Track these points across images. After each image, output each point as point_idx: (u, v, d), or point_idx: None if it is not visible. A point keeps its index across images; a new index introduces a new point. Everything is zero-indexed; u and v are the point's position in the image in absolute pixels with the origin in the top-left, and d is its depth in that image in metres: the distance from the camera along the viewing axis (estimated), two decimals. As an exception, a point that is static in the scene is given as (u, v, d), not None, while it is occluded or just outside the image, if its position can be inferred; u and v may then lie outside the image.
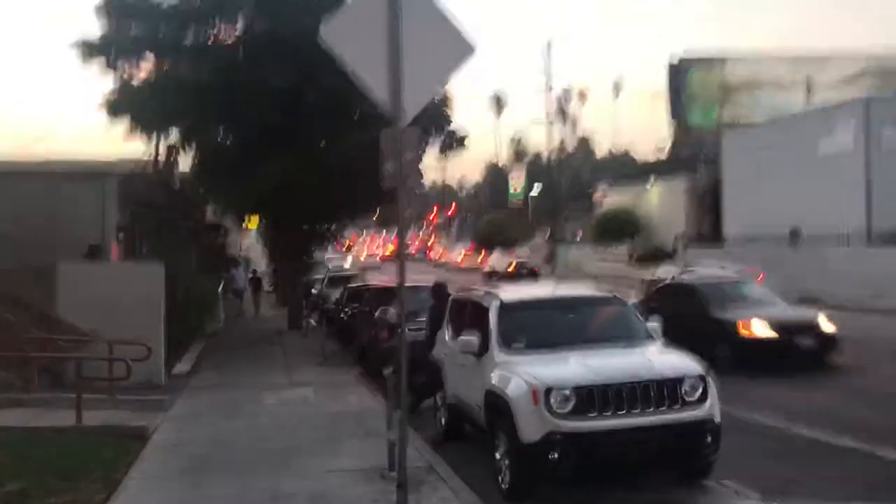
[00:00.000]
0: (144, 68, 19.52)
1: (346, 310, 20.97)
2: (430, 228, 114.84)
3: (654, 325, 8.55)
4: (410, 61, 6.58)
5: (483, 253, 66.50)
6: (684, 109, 53.29)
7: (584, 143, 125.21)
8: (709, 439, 7.04)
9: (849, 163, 37.68)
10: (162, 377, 13.39)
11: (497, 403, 7.55)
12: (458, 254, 71.37)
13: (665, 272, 39.58)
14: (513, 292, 9.21)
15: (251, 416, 10.98)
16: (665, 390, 6.99)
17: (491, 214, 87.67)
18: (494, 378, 7.74)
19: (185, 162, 22.58)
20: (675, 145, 55.08)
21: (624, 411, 6.94)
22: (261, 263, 47.16)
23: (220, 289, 25.08)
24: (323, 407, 11.51)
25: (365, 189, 21.64)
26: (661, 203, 55.08)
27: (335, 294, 26.79)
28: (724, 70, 53.67)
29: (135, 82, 19.76)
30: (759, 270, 33.79)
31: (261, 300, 28.19)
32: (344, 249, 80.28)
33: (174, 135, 21.29)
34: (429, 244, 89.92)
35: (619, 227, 55.42)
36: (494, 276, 49.72)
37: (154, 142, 22.02)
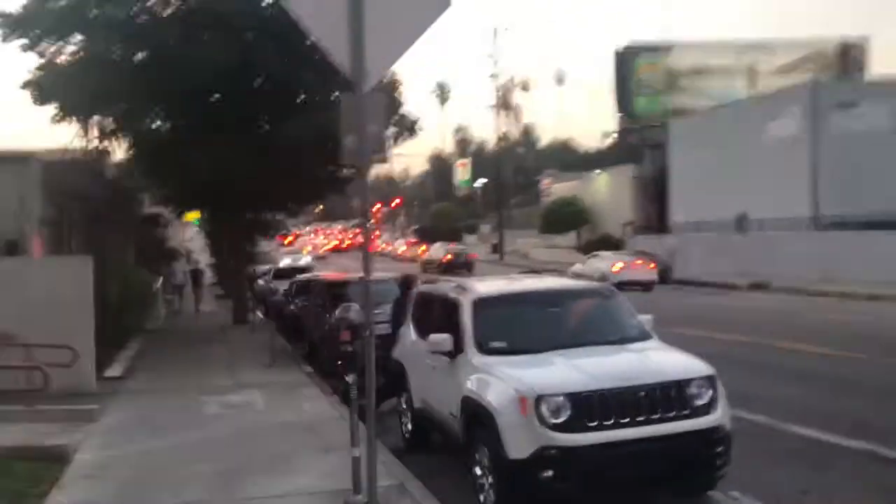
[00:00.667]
0: (71, 47, 17.99)
1: (296, 303, 19.85)
2: (374, 220, 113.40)
3: (647, 318, 7.71)
4: (375, 12, 5.59)
5: (426, 244, 65.60)
6: (630, 97, 53.05)
7: (528, 133, 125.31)
8: (720, 449, 6.24)
9: (795, 148, 37.82)
10: (92, 382, 12.12)
11: (477, 413, 6.64)
12: (400, 245, 70.35)
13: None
14: (488, 286, 8.26)
15: (191, 426, 9.84)
16: (671, 395, 6.16)
17: (438, 205, 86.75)
18: (472, 383, 6.83)
19: (120, 149, 21.19)
20: (622, 133, 54.85)
21: (627, 421, 6.09)
22: (202, 256, 45.55)
23: (159, 284, 23.68)
24: (273, 415, 10.44)
25: (311, 176, 20.55)
26: (608, 192, 54.94)
27: (282, 287, 25.66)
28: (669, 58, 53.60)
29: (61, 62, 18.23)
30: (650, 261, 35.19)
31: (202, 295, 26.25)
32: (287, 242, 78.59)
33: (106, 119, 19.85)
34: (372, 236, 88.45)
35: (567, 217, 55.12)
36: (430, 267, 49.37)
37: (85, 127, 20.53)
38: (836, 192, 35.87)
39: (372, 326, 6.28)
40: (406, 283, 11.86)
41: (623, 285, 28.58)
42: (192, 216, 58.00)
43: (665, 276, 36.84)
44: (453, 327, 7.46)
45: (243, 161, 17.70)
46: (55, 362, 10.36)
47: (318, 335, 15.31)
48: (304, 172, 19.46)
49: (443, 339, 7.38)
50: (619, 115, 54.46)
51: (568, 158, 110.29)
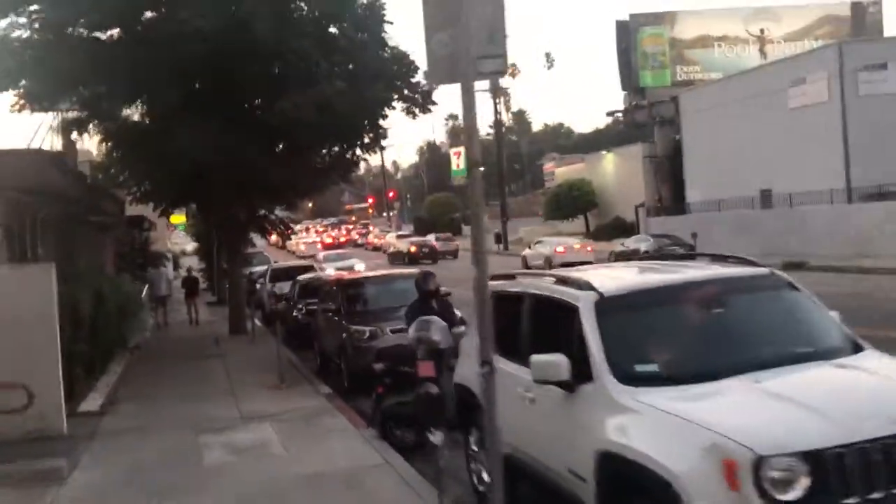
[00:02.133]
0: (24, 19, 15.43)
1: (300, 307, 17.36)
2: (368, 213, 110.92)
3: (834, 314, 5.26)
4: None
5: (422, 235, 63.28)
6: (635, 72, 50.56)
7: (520, 119, 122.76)
8: None
9: (822, 115, 35.44)
10: (61, 423, 9.58)
11: (632, 477, 4.19)
12: (395, 237, 67.88)
13: (636, 242, 37.06)
14: (611, 278, 5.68)
15: (189, 489, 7.32)
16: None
17: (434, 195, 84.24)
18: (618, 431, 4.37)
19: (92, 141, 18.65)
20: (628, 111, 52.36)
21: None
22: (191, 261, 42.91)
23: (144, 293, 21.11)
24: (297, 462, 7.92)
25: (312, 160, 18.01)
26: (616, 173, 52.48)
27: (283, 289, 23.17)
28: (674, 27, 51.13)
29: (17, 41, 15.69)
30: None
31: (198, 305, 22.60)
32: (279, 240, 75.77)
33: (74, 107, 17.34)
34: (366, 230, 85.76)
35: (574, 201, 52.64)
36: (396, 259, 47.70)
37: (50, 116, 18.01)
38: (868, 160, 33.50)
39: (493, 366, 3.75)
40: (424, 281, 9.42)
41: (566, 266, 32.25)
42: (178, 219, 55.50)
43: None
44: (567, 343, 4.98)
45: (234, 146, 15.22)
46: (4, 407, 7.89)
47: (335, 346, 12.84)
48: (304, 156, 16.97)
49: (556, 362, 4.86)
50: (625, 91, 51.92)
51: (562, 143, 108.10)
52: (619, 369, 4.62)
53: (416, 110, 16.98)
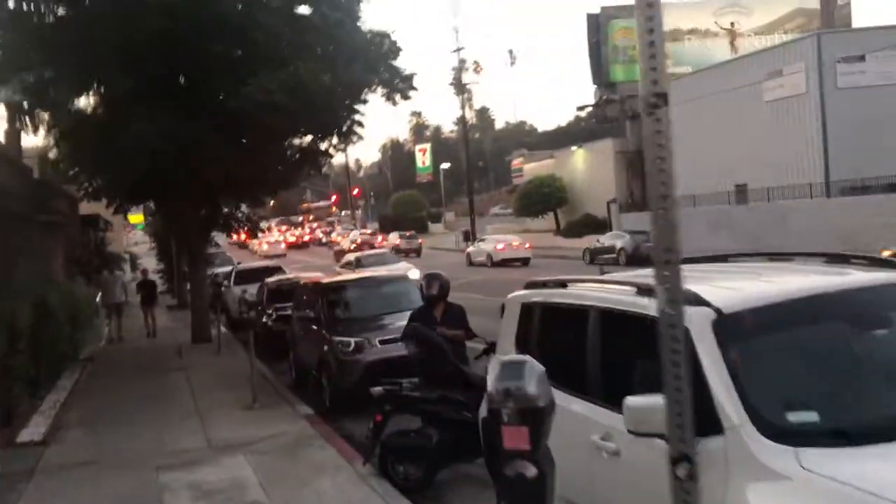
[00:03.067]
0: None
1: (270, 313, 15.81)
2: (330, 211, 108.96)
3: None
4: None
5: (383, 235, 62.34)
6: (606, 65, 49.62)
7: (483, 115, 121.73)
8: None
9: (800, 108, 34.77)
10: (-7, 459, 8.07)
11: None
12: (357, 236, 66.72)
13: (612, 239, 36.05)
14: (724, 287, 4.24)
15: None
16: None
17: (400, 192, 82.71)
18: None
19: (38, 131, 16.85)
20: (598, 105, 51.39)
21: None
22: (148, 262, 40.89)
23: (98, 299, 19.34)
24: (281, 510, 6.50)
25: (282, 150, 16.45)
26: (587, 168, 51.49)
27: (250, 292, 21.58)
28: (645, 21, 50.25)
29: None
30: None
31: (155, 313, 19.70)
32: (242, 240, 73.54)
33: (17, 93, 15.56)
34: (331, 228, 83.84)
35: (544, 198, 51.54)
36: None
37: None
38: (847, 153, 32.89)
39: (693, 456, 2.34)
40: (429, 285, 8.10)
41: (505, 262, 37.08)
42: (137, 219, 53.13)
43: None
44: (694, 380, 3.62)
45: (195, 137, 13.67)
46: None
47: (315, 359, 11.38)
48: (273, 147, 15.43)
49: (651, 405, 3.49)
50: (595, 85, 51.00)
51: (526, 140, 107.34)
52: (763, 419, 3.28)
53: (396, 96, 15.52)
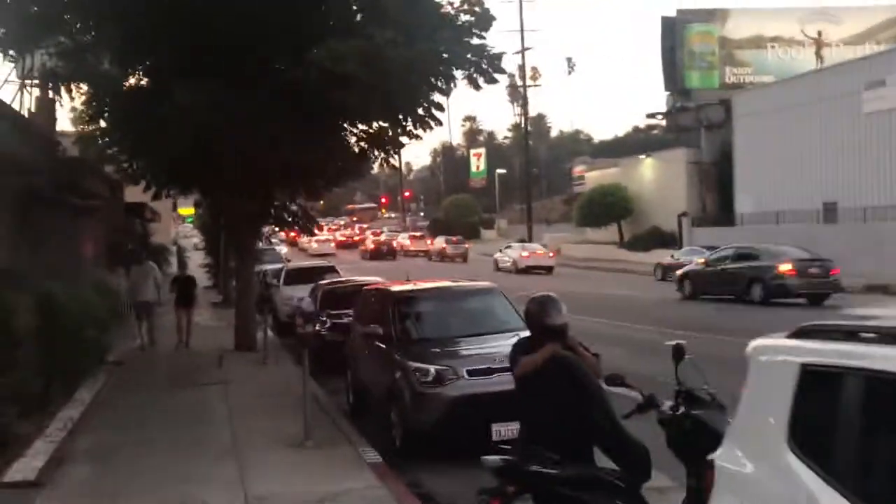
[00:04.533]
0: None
1: (323, 320, 13.67)
2: (378, 213, 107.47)
3: None
4: None
5: (432, 239, 60.70)
6: (681, 71, 46.82)
7: (539, 122, 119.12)
8: None
9: (903, 120, 31.70)
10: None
11: None
12: (405, 239, 65.12)
13: (688, 254, 33.34)
14: None
15: None
16: None
17: (454, 196, 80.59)
18: None
19: (73, 102, 15.02)
20: (671, 113, 48.60)
21: None
22: (196, 256, 39.34)
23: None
24: None
25: (343, 137, 14.29)
26: (655, 179, 48.64)
27: (297, 294, 19.55)
28: (725, 25, 47.41)
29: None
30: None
31: (192, 317, 16.45)
32: (291, 239, 72.04)
33: (52, 59, 13.78)
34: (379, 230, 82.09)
35: (608, 208, 48.83)
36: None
37: (22, 69, 14.42)
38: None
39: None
40: (544, 311, 5.60)
41: (529, 269, 39.23)
42: (187, 211, 51.69)
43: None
44: None
45: (249, 115, 11.62)
46: None
47: (383, 386, 9.14)
48: (337, 130, 13.30)
49: None
50: (668, 92, 48.20)
51: (582, 149, 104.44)
52: None
53: (481, 79, 13.25)
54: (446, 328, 9.22)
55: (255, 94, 11.90)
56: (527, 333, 9.00)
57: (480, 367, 8.16)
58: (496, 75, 13.45)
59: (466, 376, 8.11)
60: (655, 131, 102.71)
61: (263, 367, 13.56)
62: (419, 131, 13.08)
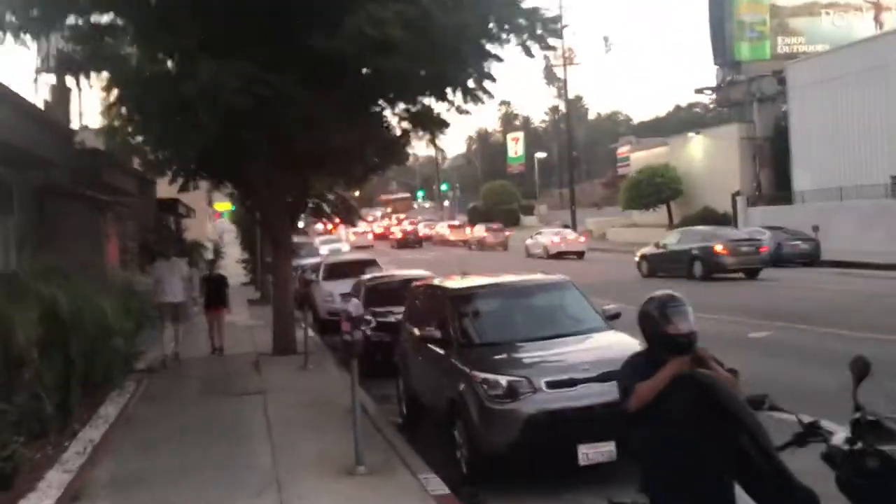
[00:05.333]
0: None
1: (368, 319, 12.43)
2: (410, 204, 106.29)
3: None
4: None
5: (471, 226, 59.48)
6: (730, 43, 44.66)
7: (576, 104, 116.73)
8: None
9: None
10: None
11: None
12: (444, 228, 63.89)
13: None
14: None
15: None
16: None
17: (491, 182, 79.04)
18: None
19: (94, 88, 13.97)
20: (721, 87, 46.48)
21: None
22: (233, 252, 38.48)
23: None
24: None
25: (382, 116, 12.93)
26: (706, 157, 46.61)
27: (337, 290, 18.35)
28: (776, -7, 45.15)
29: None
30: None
31: (223, 321, 14.63)
32: (330, 230, 71.04)
33: (67, 42, 12.69)
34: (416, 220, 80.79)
35: (656, 188, 46.88)
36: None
37: (43, 58, 13.37)
38: None
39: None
40: (662, 314, 4.16)
41: (561, 254, 39.21)
42: (223, 206, 50.78)
43: (813, 254, 28.99)
44: None
45: (279, 91, 10.38)
46: None
47: (444, 400, 7.84)
48: (379, 106, 11.99)
49: None
50: (717, 66, 46.11)
51: (620, 131, 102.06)
52: None
53: (535, 45, 11.81)
54: (515, 330, 7.85)
55: (287, 72, 10.64)
56: (612, 336, 7.67)
57: (562, 377, 6.83)
58: (551, 41, 12.03)
59: (545, 388, 6.77)
60: (697, 109, 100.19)
61: (304, 373, 12.36)
62: (468, 105, 11.68)
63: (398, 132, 13.31)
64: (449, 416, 7.60)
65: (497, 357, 7.31)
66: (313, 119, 10.73)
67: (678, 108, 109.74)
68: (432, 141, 12.72)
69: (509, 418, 6.75)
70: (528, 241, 43.25)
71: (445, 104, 11.94)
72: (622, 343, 7.25)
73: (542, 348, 7.44)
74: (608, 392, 6.62)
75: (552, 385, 6.77)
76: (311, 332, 16.20)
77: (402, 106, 12.84)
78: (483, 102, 11.55)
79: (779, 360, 11.23)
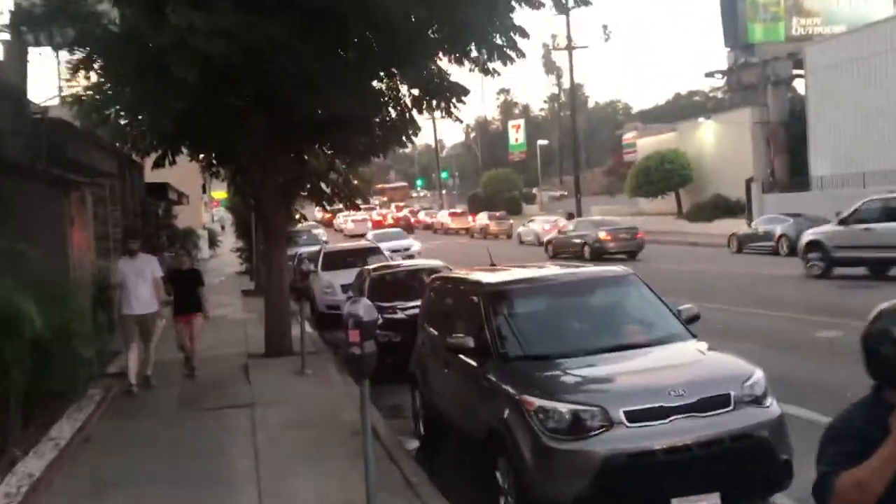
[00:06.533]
0: None
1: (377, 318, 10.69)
2: (408, 193, 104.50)
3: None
4: None
5: (472, 215, 58.21)
6: (742, 24, 42.79)
7: (576, 93, 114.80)
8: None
9: None
10: None
11: None
12: (445, 216, 62.46)
13: (768, 223, 29.85)
14: None
15: None
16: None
17: (492, 170, 77.34)
18: None
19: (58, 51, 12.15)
20: (732, 71, 44.64)
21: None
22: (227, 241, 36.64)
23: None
24: None
25: (391, 75, 11.07)
26: (717, 143, 44.90)
27: (337, 281, 16.73)
28: (790, -28, 43.30)
29: None
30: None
31: (196, 331, 11.05)
32: (326, 220, 69.17)
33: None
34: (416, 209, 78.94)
35: (665, 175, 45.19)
36: None
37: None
38: None
39: None
40: None
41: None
42: (220, 194, 48.80)
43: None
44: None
45: (267, 39, 8.60)
46: None
47: (481, 426, 6.10)
48: (389, 64, 10.18)
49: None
50: (728, 48, 44.24)
51: (619, 119, 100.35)
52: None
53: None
54: (573, 339, 6.09)
55: (275, 23, 8.85)
56: (700, 347, 5.98)
57: (647, 405, 5.08)
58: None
59: (625, 421, 5.02)
60: (698, 98, 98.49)
61: (301, 379, 10.62)
62: (496, 64, 9.86)
63: (409, 100, 11.45)
64: (488, 449, 5.87)
65: (555, 376, 5.56)
66: (313, 80, 8.93)
67: (678, 95, 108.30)
68: (448, 111, 10.91)
69: (576, 461, 5.02)
70: (521, 230, 43.88)
71: (463, 69, 10.14)
72: (719, 358, 5.56)
73: (613, 364, 5.69)
74: (709, 426, 4.96)
75: (635, 416, 5.03)
76: (308, 328, 14.51)
77: (412, 71, 10.97)
78: (514, 61, 9.76)
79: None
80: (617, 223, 33.02)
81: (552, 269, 7.60)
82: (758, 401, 5.23)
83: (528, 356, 5.94)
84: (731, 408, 5.08)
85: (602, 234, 29.84)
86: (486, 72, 9.98)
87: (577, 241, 30.85)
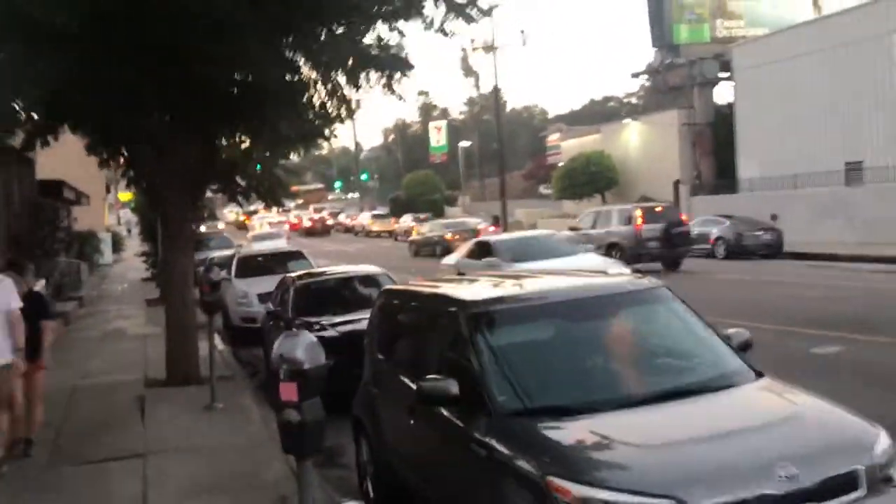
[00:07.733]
0: None
1: (298, 326, 8.76)
2: (323, 195, 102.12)
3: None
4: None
5: (395, 217, 56.88)
6: (669, 25, 42.33)
7: (495, 98, 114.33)
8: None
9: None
10: None
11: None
12: (366, 219, 60.86)
13: (703, 226, 29.02)
14: None
15: None
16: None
17: (413, 172, 75.72)
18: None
19: None
20: (656, 72, 44.16)
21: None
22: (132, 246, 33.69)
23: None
24: None
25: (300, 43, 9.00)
26: (642, 144, 44.34)
27: (253, 289, 14.70)
28: (715, -26, 43.11)
29: None
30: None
31: (38, 385, 7.31)
32: (240, 222, 66.08)
33: None
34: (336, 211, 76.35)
35: (591, 177, 44.39)
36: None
37: None
38: None
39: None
40: None
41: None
42: (126, 196, 45.48)
43: (775, 245, 26.63)
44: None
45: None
46: None
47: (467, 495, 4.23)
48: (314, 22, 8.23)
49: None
50: (655, 48, 43.74)
51: (536, 124, 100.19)
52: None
53: (456, 12, 8.29)
54: (601, 381, 4.30)
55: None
56: (775, 388, 4.28)
57: (744, 494, 3.33)
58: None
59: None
60: (613, 103, 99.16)
61: (210, 416, 8.52)
62: (458, 23, 8.01)
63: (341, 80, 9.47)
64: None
65: (595, 445, 3.73)
66: (224, 24, 6.88)
67: (593, 101, 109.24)
68: (389, 87, 9.02)
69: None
70: (415, 237, 45.63)
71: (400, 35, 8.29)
72: (821, 409, 3.87)
73: (672, 421, 3.90)
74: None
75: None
76: (220, 345, 12.40)
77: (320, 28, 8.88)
78: (476, 21, 8.00)
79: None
80: (466, 224, 38.06)
81: (552, 279, 5.62)
82: (889, 478, 3.56)
83: (540, 409, 4.09)
84: (862, 492, 3.40)
85: (448, 235, 33.81)
86: (443, 32, 8.16)
87: (432, 242, 34.66)
